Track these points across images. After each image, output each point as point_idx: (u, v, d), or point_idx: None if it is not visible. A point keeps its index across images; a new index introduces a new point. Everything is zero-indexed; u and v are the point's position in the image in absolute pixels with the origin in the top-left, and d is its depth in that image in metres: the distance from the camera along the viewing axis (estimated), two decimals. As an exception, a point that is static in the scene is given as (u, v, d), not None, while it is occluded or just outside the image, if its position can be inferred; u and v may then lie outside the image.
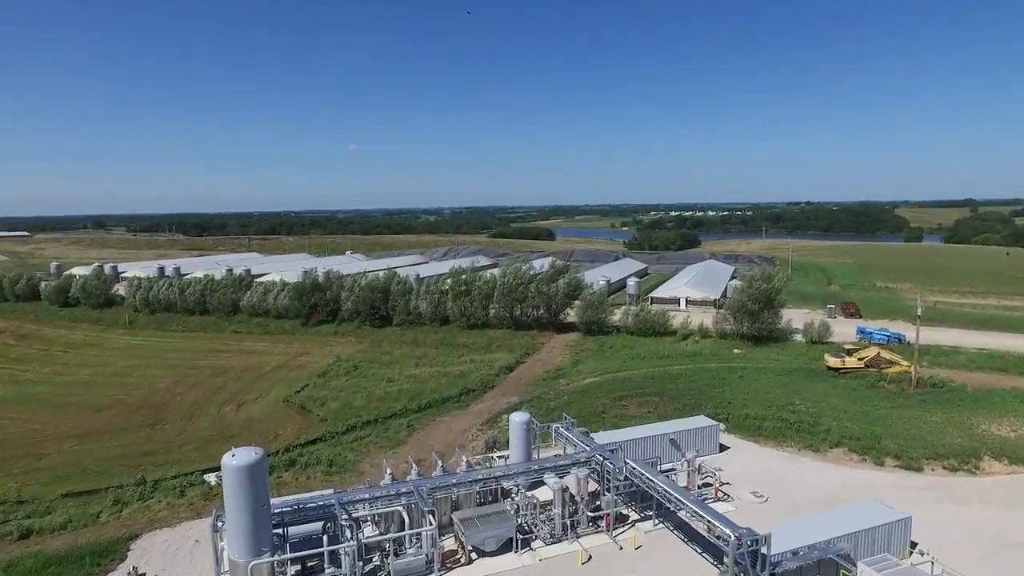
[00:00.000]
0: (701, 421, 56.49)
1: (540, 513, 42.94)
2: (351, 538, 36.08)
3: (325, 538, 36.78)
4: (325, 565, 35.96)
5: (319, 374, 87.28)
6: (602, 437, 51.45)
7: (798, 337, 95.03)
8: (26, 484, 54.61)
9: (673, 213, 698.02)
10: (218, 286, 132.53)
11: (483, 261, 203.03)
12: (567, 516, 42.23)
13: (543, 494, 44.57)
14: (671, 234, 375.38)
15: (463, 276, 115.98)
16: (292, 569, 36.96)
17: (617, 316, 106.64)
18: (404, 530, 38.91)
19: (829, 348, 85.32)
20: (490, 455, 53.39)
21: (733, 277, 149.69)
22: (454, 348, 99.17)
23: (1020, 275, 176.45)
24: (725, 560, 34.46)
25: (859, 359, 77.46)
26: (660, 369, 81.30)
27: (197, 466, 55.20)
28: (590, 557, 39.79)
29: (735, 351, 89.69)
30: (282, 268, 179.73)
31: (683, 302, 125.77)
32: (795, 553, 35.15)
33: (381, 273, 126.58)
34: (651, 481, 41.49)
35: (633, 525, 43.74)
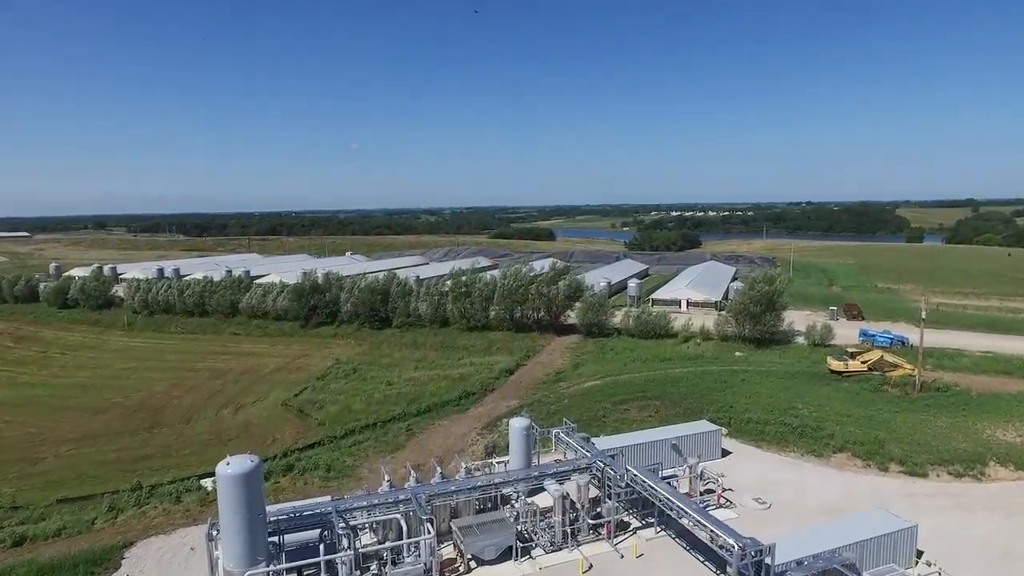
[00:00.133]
0: (703, 426, 55.91)
1: (540, 520, 42.42)
2: (348, 547, 35.53)
3: (322, 547, 36.23)
4: (322, 574, 35.36)
5: (318, 377, 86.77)
6: (603, 442, 50.93)
7: (800, 340, 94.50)
8: (21, 489, 54.18)
9: (674, 213, 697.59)
10: (217, 288, 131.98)
11: (483, 262, 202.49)
12: (567, 523, 41.68)
13: (543, 500, 44.05)
14: (672, 234, 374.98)
15: (463, 278, 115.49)
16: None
17: (618, 318, 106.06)
18: (402, 538, 38.41)
19: (832, 351, 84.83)
20: (490, 460, 52.82)
21: (734, 278, 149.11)
22: (454, 350, 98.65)
23: (1022, 276, 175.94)
24: (728, 570, 33.99)
25: (862, 362, 76.87)
26: (661, 372, 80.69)
27: (194, 471, 54.62)
28: (591, 566, 39.24)
29: (737, 354, 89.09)
30: (282, 269, 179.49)
31: (684, 304, 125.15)
32: (799, 563, 34.63)
33: (380, 275, 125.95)
34: (653, 489, 40.96)
35: (634, 533, 43.21)
